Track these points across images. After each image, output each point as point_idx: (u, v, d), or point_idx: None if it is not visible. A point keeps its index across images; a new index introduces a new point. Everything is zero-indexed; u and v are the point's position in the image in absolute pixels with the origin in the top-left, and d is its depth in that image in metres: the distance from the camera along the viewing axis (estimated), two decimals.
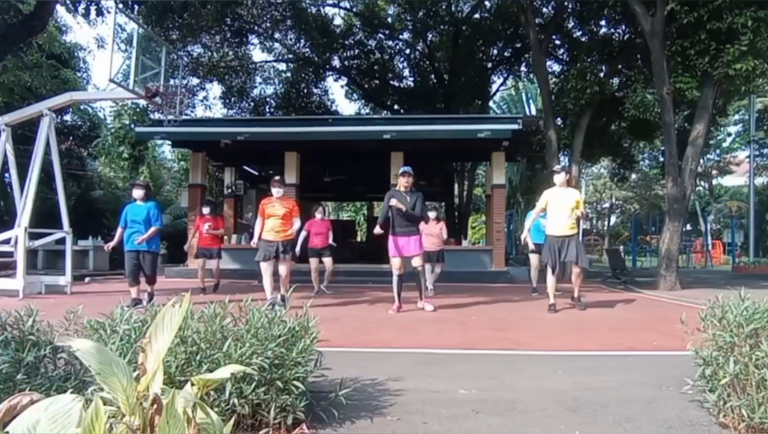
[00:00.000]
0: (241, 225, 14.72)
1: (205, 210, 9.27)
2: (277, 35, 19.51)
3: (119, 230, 6.97)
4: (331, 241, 8.76)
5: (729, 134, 30.00)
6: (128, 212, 6.94)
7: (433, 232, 8.43)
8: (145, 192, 7.03)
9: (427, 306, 6.41)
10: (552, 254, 6.37)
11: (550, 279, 6.50)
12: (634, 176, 29.14)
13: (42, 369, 2.11)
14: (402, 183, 6.40)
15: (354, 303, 7.33)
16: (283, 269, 6.45)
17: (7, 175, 11.43)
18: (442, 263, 8.68)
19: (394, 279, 6.40)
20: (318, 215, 8.87)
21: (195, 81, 19.07)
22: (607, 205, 40.74)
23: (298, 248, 8.58)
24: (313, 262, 8.73)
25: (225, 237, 13.65)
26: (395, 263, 6.35)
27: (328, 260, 8.77)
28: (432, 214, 8.64)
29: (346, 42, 19.83)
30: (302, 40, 19.72)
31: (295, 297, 3.56)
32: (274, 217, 6.48)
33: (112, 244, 7.15)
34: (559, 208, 6.38)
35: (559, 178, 6.49)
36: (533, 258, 8.62)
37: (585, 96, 12.10)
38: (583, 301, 6.77)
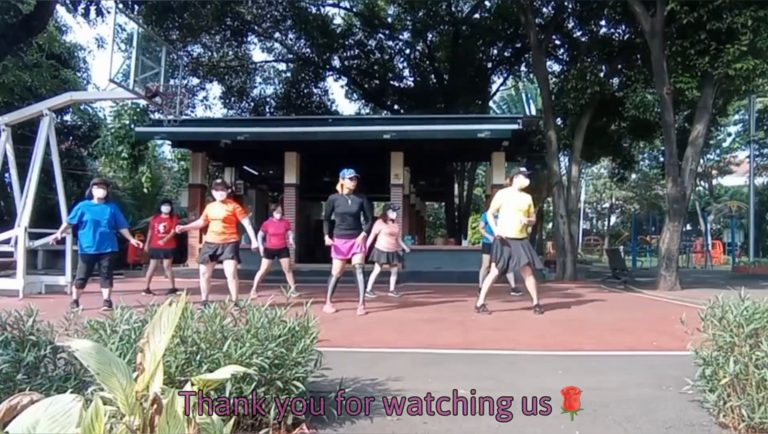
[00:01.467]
0: (240, 225, 14.72)
1: (164, 209, 9.10)
2: (277, 35, 19.51)
3: (68, 226, 6.66)
4: (290, 241, 8.44)
5: (729, 134, 29.99)
6: (86, 211, 6.48)
7: (393, 232, 8.40)
8: (106, 193, 6.65)
9: (360, 310, 6.22)
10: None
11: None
12: (634, 176, 29.13)
13: (42, 369, 2.11)
14: (349, 186, 6.25)
15: (354, 303, 7.31)
16: (228, 271, 6.48)
17: (7, 175, 11.42)
18: (398, 264, 8.57)
19: (332, 280, 6.34)
20: (276, 215, 8.53)
21: (195, 81, 19.07)
22: (607, 205, 40.74)
23: (260, 247, 7.90)
24: (265, 263, 8.21)
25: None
26: (337, 265, 6.26)
27: (285, 261, 8.33)
28: (393, 214, 8.54)
29: (346, 42, 19.82)
30: (302, 40, 19.71)
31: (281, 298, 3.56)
32: (215, 220, 6.56)
33: (56, 238, 6.98)
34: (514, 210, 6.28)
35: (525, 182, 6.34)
36: (485, 258, 8.46)
37: (585, 96, 12.09)
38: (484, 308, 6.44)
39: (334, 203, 6.26)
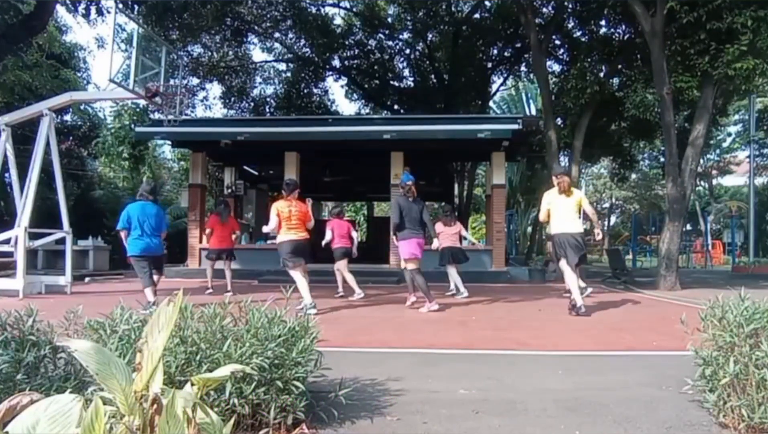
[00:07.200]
0: (241, 225, 14.76)
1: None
2: (277, 35, 19.53)
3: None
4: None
5: (729, 134, 29.98)
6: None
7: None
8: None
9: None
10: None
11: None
12: (634, 176, 29.11)
13: (42, 369, 2.11)
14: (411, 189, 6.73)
15: (354, 303, 7.33)
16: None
17: (7, 175, 11.42)
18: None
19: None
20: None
21: (195, 81, 19.08)
22: (607, 205, 40.73)
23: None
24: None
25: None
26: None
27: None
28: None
29: (346, 42, 19.83)
30: (302, 40, 19.73)
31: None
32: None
33: None
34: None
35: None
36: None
37: (585, 96, 12.09)
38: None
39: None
